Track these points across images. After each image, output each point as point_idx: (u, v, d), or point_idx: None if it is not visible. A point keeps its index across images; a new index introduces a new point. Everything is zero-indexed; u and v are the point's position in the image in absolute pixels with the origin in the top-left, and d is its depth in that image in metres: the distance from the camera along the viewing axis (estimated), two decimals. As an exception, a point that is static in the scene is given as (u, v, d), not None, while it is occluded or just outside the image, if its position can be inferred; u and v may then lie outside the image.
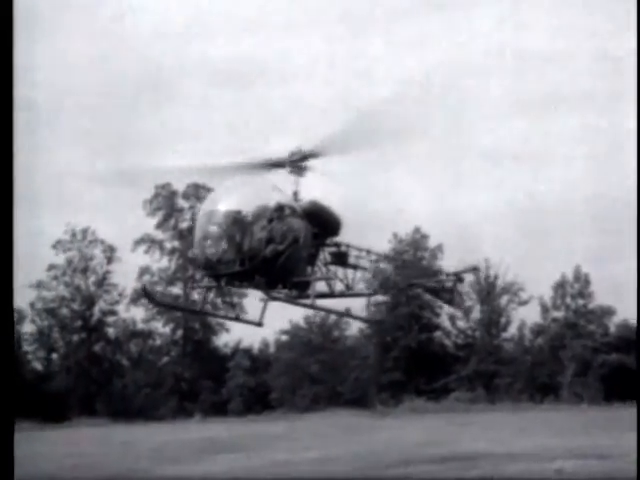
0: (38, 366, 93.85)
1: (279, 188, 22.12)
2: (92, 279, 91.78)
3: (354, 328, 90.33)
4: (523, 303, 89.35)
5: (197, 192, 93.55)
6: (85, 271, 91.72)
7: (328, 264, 24.30)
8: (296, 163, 22.36)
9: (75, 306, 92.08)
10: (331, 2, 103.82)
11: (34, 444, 62.61)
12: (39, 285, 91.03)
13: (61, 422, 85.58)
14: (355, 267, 25.77)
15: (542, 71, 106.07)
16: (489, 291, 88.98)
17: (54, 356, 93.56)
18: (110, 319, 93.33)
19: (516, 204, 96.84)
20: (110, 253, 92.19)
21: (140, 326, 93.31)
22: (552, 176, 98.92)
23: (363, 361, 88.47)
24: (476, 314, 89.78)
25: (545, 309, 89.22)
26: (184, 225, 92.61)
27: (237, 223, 20.67)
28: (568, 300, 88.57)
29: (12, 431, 19.96)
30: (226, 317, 29.46)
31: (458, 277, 27.61)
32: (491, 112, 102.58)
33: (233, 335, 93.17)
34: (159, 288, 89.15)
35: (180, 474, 42.13)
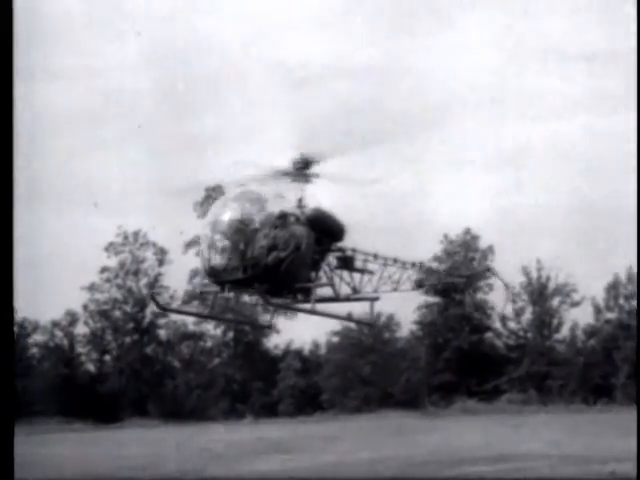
0: (91, 368, 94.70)
1: (282, 196, 22.68)
2: (144, 281, 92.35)
3: (405, 330, 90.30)
4: (575, 304, 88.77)
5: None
6: (137, 273, 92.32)
7: (335, 268, 24.52)
8: (299, 171, 22.80)
9: (127, 308, 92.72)
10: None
11: (87, 445, 63.17)
12: (92, 287, 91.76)
13: (113, 423, 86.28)
14: (362, 271, 25.57)
15: (605, 69, 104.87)
16: (541, 292, 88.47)
17: (107, 358, 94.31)
18: (162, 321, 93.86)
19: (568, 204, 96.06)
20: (161, 255, 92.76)
21: (191, 328, 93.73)
22: (604, 176, 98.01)
23: (414, 362, 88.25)
24: (528, 315, 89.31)
25: (598, 310, 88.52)
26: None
27: (240, 232, 21.33)
28: (621, 301, 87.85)
29: (12, 431, 20.35)
30: (237, 321, 30.13)
31: (468, 278, 27.55)
32: (547, 111, 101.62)
33: (284, 336, 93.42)
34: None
35: (232, 474, 42.26)
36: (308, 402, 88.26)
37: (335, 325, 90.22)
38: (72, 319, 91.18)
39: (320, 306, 24.04)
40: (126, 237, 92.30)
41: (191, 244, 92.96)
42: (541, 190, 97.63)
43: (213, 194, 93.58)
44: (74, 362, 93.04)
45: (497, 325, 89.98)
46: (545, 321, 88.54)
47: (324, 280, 23.51)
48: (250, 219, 21.69)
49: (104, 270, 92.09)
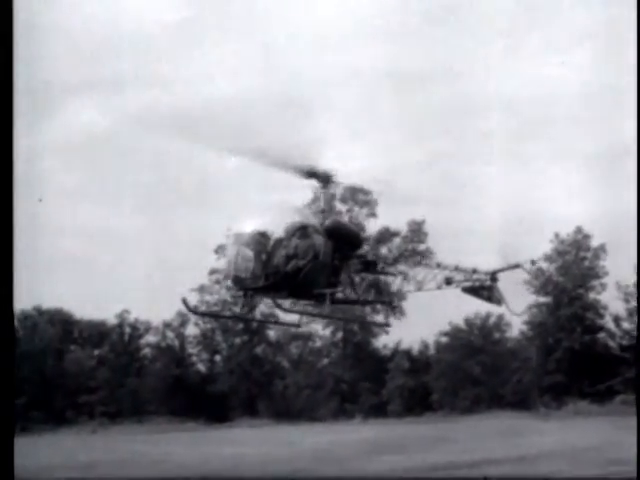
0: (202, 368, 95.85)
1: (301, 209, 24.37)
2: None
3: (515, 330, 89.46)
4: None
5: (354, 195, 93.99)
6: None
7: (359, 272, 25.98)
8: (322, 183, 24.91)
9: (237, 309, 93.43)
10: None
11: (201, 444, 63.95)
12: (201, 289, 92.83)
13: (224, 422, 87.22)
14: (385, 273, 26.91)
15: None
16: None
17: (217, 358, 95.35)
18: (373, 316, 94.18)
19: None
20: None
21: (301, 329, 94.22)
22: None
23: (525, 363, 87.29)
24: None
25: None
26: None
27: (262, 243, 22.71)
28: None
29: (12, 432, 20.88)
30: (266, 321, 32.27)
31: (493, 275, 27.82)
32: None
33: (393, 337, 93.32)
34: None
35: (343, 475, 42.34)
36: (417, 402, 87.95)
37: (444, 325, 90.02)
38: (183, 320, 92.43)
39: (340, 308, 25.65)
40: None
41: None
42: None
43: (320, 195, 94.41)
44: (185, 362, 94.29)
45: (610, 325, 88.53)
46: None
47: (345, 285, 24.65)
48: (271, 231, 22.98)
49: (213, 272, 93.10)
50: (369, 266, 25.96)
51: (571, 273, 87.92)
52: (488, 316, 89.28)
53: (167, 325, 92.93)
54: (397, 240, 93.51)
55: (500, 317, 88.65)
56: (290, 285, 22.90)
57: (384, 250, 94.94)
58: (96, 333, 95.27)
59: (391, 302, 27.34)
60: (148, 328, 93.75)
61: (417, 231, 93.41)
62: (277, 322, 29.89)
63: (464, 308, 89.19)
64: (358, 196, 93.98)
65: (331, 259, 23.79)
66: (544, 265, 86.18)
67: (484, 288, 27.47)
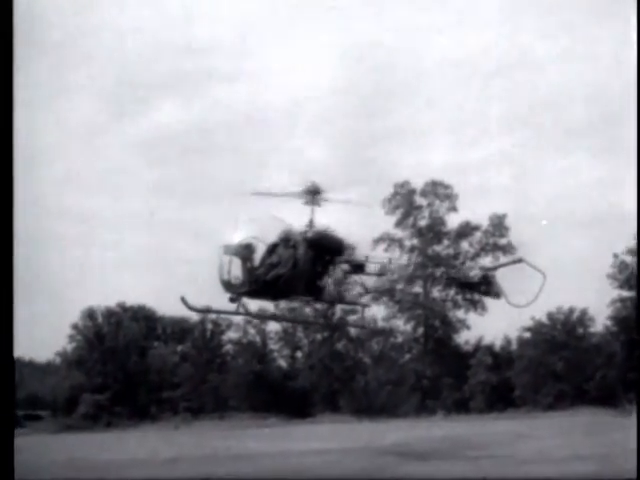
0: (283, 364, 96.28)
1: (284, 220, 26.70)
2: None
3: (599, 325, 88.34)
4: None
5: (435, 189, 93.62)
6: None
7: (348, 274, 29.41)
8: (310, 197, 27.12)
9: (317, 305, 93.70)
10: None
11: (281, 439, 64.19)
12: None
13: (305, 418, 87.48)
14: (374, 274, 30.95)
15: None
16: None
17: (298, 354, 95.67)
18: (351, 318, 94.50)
19: None
20: (351, 251, 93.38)
21: (381, 324, 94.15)
22: None
23: (609, 359, 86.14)
24: None
25: None
26: (422, 223, 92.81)
27: (248, 253, 25.73)
28: None
29: (12, 431, 21.32)
30: (263, 316, 35.60)
31: (490, 270, 29.43)
32: None
33: (474, 332, 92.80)
34: (399, 287, 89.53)
35: (427, 472, 42.19)
36: (500, 398, 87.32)
37: (526, 321, 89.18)
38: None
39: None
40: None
41: (379, 240, 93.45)
42: None
43: (401, 190, 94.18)
44: (267, 358, 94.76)
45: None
46: None
47: (331, 287, 27.80)
48: (255, 242, 25.98)
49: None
50: (357, 268, 29.04)
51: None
52: (571, 311, 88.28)
53: (248, 321, 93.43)
54: (478, 234, 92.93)
55: (583, 312, 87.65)
56: (271, 291, 26.03)
57: (465, 245, 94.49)
58: (179, 329, 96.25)
59: (367, 305, 31.33)
60: (230, 324, 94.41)
61: (498, 225, 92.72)
62: (275, 317, 34.65)
63: (547, 303, 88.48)
64: (439, 190, 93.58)
65: (311, 267, 26.61)
66: (628, 259, 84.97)
67: (482, 282, 28.25)
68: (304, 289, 27.21)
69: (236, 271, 25.92)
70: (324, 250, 27.71)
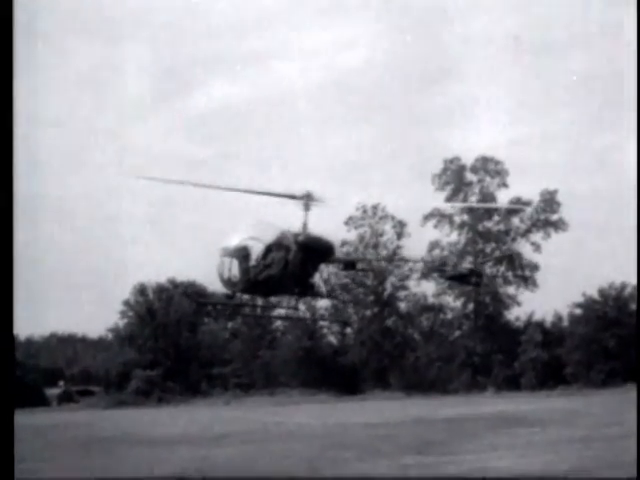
0: (333, 340, 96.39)
1: (277, 225, 29.35)
2: (383, 254, 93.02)
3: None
4: None
5: (485, 165, 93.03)
6: (376, 246, 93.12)
7: (342, 270, 33.15)
8: (306, 202, 29.31)
9: (368, 281, 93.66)
10: None
11: (331, 416, 64.30)
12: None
13: (355, 395, 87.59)
14: (364, 270, 33.83)
15: None
16: None
17: (348, 330, 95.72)
18: (401, 294, 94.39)
19: None
20: (400, 228, 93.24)
21: (431, 300, 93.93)
22: None
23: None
24: None
25: None
26: (473, 199, 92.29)
27: (244, 255, 28.44)
28: None
29: (12, 430, 21.31)
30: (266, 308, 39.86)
31: (480, 264, 31.30)
32: None
33: (525, 308, 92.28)
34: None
35: (476, 448, 42.05)
36: (550, 375, 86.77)
37: (578, 297, 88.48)
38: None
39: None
40: (365, 211, 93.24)
41: (429, 217, 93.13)
42: None
43: (451, 166, 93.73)
44: (317, 335, 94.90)
45: None
46: None
47: (321, 286, 30.58)
48: (250, 245, 28.53)
49: (344, 244, 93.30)
50: (348, 266, 31.97)
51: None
52: (623, 287, 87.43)
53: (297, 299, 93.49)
54: (529, 210, 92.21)
55: (636, 288, 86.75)
56: (263, 289, 29.16)
57: (516, 221, 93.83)
58: (229, 306, 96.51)
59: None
60: (279, 301, 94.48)
61: (549, 201, 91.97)
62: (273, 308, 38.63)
63: (598, 279, 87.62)
64: (489, 166, 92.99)
65: (300, 267, 29.44)
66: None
67: (471, 275, 29.90)
68: (293, 287, 30.30)
69: (233, 271, 28.61)
70: (314, 253, 30.23)
